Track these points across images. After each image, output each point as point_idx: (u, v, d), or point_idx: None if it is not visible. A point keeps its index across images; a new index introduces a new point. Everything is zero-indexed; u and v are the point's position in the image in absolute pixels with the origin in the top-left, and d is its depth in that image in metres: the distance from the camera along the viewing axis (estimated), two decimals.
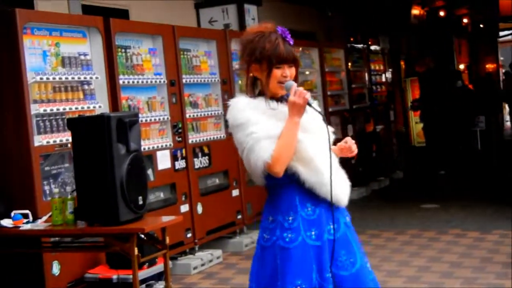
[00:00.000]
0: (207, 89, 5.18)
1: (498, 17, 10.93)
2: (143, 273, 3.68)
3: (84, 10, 4.77)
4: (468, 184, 7.69)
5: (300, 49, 6.61)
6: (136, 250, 3.03)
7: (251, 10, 6.39)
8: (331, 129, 2.10)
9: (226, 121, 5.10)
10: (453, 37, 11.96)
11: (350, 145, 2.17)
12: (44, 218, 3.32)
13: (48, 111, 3.68)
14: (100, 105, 4.01)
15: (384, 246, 4.98)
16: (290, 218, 2.02)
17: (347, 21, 8.95)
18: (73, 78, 3.88)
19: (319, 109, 2.10)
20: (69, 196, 3.24)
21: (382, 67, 8.78)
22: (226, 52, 5.27)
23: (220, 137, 5.15)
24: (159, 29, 4.64)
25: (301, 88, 2.02)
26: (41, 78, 3.65)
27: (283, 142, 1.98)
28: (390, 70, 9.13)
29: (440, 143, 8.53)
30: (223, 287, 4.17)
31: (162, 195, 4.54)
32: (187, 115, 4.80)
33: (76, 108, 3.84)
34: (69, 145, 3.59)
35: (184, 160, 4.68)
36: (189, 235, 4.66)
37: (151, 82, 4.53)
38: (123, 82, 4.25)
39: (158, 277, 3.84)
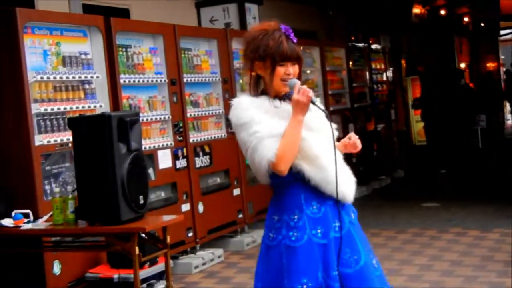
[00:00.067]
0: (208, 88, 5.18)
1: (499, 15, 10.91)
2: (144, 273, 3.67)
3: (84, 9, 4.77)
4: (469, 182, 7.68)
5: (301, 48, 6.54)
6: (137, 250, 3.03)
7: (252, 9, 6.38)
8: (334, 126, 2.10)
9: (227, 120, 5.15)
10: (454, 36, 11.95)
11: (354, 141, 2.16)
12: (45, 217, 3.32)
13: (49, 110, 3.68)
14: (101, 105, 4.01)
15: (385, 244, 4.97)
16: (296, 216, 2.02)
17: (348, 20, 8.94)
18: (73, 77, 3.87)
19: (322, 107, 2.10)
20: (70, 196, 3.23)
21: (383, 66, 8.77)
22: (227, 51, 5.26)
23: (221, 136, 5.14)
24: (160, 28, 4.64)
25: (304, 86, 2.02)
26: (41, 78, 3.65)
27: (287, 140, 1.98)
28: (391, 69, 9.12)
29: (441, 142, 8.53)
30: (224, 286, 4.17)
31: (163, 194, 4.54)
32: (188, 114, 4.79)
33: (77, 108, 3.84)
34: (69, 144, 3.59)
35: (185, 159, 4.68)
36: (190, 234, 4.66)
37: (152, 81, 4.53)
38: (124, 81, 4.25)
39: (159, 276, 3.83)
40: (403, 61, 10.32)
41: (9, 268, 3.53)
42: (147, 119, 4.39)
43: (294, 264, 1.99)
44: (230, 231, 5.17)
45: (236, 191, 5.23)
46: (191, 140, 4.78)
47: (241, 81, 5.43)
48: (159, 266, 3.78)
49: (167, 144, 4.53)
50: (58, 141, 3.68)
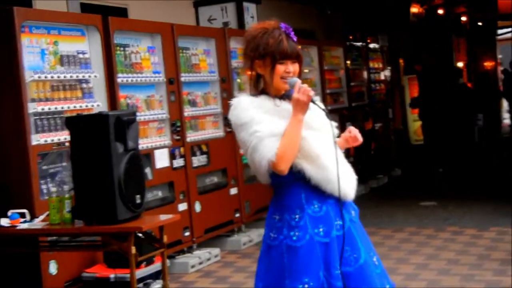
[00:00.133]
0: (206, 87, 5.17)
1: (497, 15, 10.92)
2: (141, 272, 3.67)
3: (82, 8, 4.76)
4: (466, 181, 7.70)
5: (300, 47, 6.59)
6: (133, 249, 3.03)
7: (250, 8, 6.38)
8: (334, 124, 2.10)
9: (225, 119, 5.15)
10: (452, 35, 11.96)
11: (355, 133, 2.17)
12: (42, 217, 3.31)
13: (46, 109, 3.68)
14: (98, 104, 4.01)
15: (382, 243, 4.98)
16: (297, 216, 2.02)
17: (346, 19, 8.94)
18: (71, 76, 3.87)
19: (322, 106, 2.10)
20: (67, 195, 3.24)
21: (381, 65, 8.78)
22: (225, 50, 5.26)
23: (219, 135, 5.15)
24: (158, 27, 4.64)
25: (305, 85, 2.02)
26: (39, 77, 3.65)
27: (287, 139, 1.98)
28: (389, 68, 9.13)
29: (438, 141, 8.54)
30: (221, 286, 4.17)
31: (160, 193, 4.54)
32: (186, 114, 4.79)
33: (74, 107, 3.84)
34: (67, 144, 3.59)
35: (182, 159, 4.68)
36: (187, 233, 4.66)
37: (150, 80, 4.53)
38: (122, 80, 4.24)
39: (155, 276, 3.84)
40: (401, 60, 10.33)
41: (5, 268, 3.53)
42: (144, 118, 4.39)
43: (295, 263, 2.00)
44: (227, 230, 5.17)
45: (233, 191, 5.23)
46: (188, 140, 4.78)
47: (239, 80, 5.43)
48: (156, 266, 3.79)
49: (164, 144, 4.53)
50: (55, 140, 3.67)
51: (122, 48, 4.31)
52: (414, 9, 9.76)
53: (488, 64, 12.47)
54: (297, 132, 1.99)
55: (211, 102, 5.17)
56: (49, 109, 3.69)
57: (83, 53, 4.01)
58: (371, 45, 8.64)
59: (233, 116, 2.05)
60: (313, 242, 2.00)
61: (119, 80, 4.21)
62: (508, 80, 11.54)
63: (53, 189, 3.35)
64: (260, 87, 2.10)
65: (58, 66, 3.82)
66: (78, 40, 4.02)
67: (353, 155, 6.38)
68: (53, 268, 3.55)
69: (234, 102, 2.07)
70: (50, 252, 3.51)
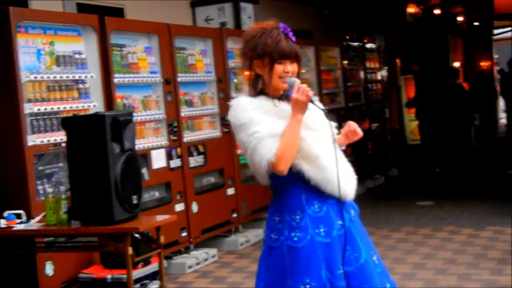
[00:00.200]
0: (202, 87, 5.17)
1: (493, 15, 10.95)
2: (138, 273, 3.67)
3: (79, 8, 4.75)
4: (463, 181, 7.72)
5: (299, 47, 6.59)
6: (130, 250, 3.02)
7: (247, 8, 6.38)
8: (334, 124, 2.10)
9: (221, 120, 5.14)
10: (449, 35, 11.98)
11: (354, 127, 2.17)
12: (38, 218, 3.30)
13: (42, 110, 3.67)
14: (94, 104, 4.00)
15: (379, 243, 4.98)
16: (297, 217, 2.02)
17: (343, 20, 8.95)
18: (67, 77, 3.86)
19: (321, 106, 2.10)
20: (63, 196, 3.22)
21: (377, 65, 8.78)
22: (222, 51, 5.26)
23: (216, 135, 5.14)
24: (154, 27, 4.63)
25: (304, 85, 2.02)
26: (35, 77, 3.64)
27: (286, 140, 1.98)
28: (386, 68, 9.14)
29: (435, 141, 8.56)
30: (218, 286, 4.17)
31: (157, 194, 4.54)
32: (183, 114, 4.79)
33: (71, 107, 3.83)
34: (63, 144, 3.58)
35: (179, 159, 4.67)
36: (184, 234, 4.65)
37: (147, 80, 4.52)
38: (118, 80, 4.23)
39: (152, 276, 3.83)
40: (397, 60, 10.34)
41: (1, 269, 3.51)
42: (141, 119, 4.39)
43: (296, 264, 2.00)
44: (224, 230, 5.17)
45: (230, 191, 5.23)
46: (185, 140, 4.77)
47: (236, 80, 5.43)
48: (153, 266, 3.78)
49: (161, 144, 4.53)
50: (52, 141, 3.66)
51: (118, 48, 4.30)
52: (411, 9, 9.78)
53: (484, 64, 12.51)
54: (297, 132, 1.99)
55: (208, 102, 5.17)
56: (45, 109, 3.68)
57: (80, 53, 4.00)
58: (368, 45, 8.65)
59: (232, 117, 2.05)
60: (314, 243, 2.00)
61: (115, 80, 4.20)
62: (505, 80, 11.57)
63: (50, 190, 3.34)
64: (259, 88, 2.09)
65: (54, 66, 3.81)
66: (74, 40, 4.00)
67: (350, 154, 6.38)
68: (49, 269, 3.54)
69: (233, 103, 2.07)
70: (47, 253, 3.50)
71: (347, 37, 8.71)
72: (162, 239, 3.26)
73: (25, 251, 3.43)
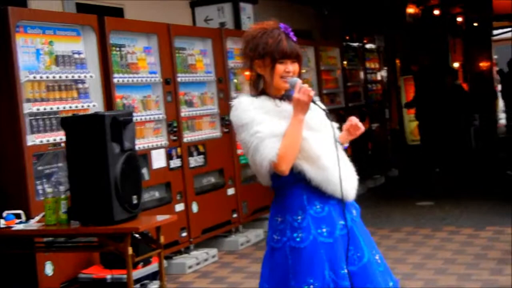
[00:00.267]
0: (202, 87, 5.16)
1: (492, 15, 10.96)
2: (138, 273, 3.66)
3: (78, 8, 4.74)
4: (462, 181, 7.72)
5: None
6: (130, 250, 3.02)
7: (247, 9, 6.37)
8: (335, 125, 2.10)
9: (221, 120, 5.14)
10: (448, 36, 11.99)
11: (355, 122, 2.16)
12: (37, 218, 3.30)
13: (42, 110, 3.66)
14: (94, 104, 3.99)
15: (380, 243, 4.93)
16: (299, 217, 2.02)
17: (343, 20, 8.95)
18: (66, 76, 3.85)
19: (323, 106, 2.10)
20: (63, 196, 3.21)
21: (377, 66, 8.79)
22: (222, 51, 5.25)
23: (216, 135, 5.14)
24: (154, 27, 4.62)
25: (306, 85, 2.02)
26: (34, 77, 3.63)
27: (288, 140, 1.98)
28: (386, 68, 9.14)
29: (435, 141, 8.56)
30: (218, 286, 4.16)
31: (157, 194, 4.53)
32: (182, 114, 4.78)
33: (70, 107, 3.82)
34: (62, 144, 3.57)
35: (179, 159, 4.66)
36: (184, 234, 4.64)
37: (146, 80, 4.51)
38: (118, 80, 4.23)
39: (152, 276, 3.82)
40: (397, 61, 10.35)
41: (1, 269, 3.50)
42: (141, 119, 4.38)
43: (299, 264, 1.99)
44: (224, 231, 5.16)
45: (231, 191, 5.22)
46: (185, 140, 4.77)
47: (235, 80, 5.42)
48: (153, 266, 3.77)
49: (161, 144, 4.52)
50: (51, 141, 3.65)
51: (118, 48, 4.29)
52: (410, 10, 9.78)
53: (483, 64, 12.52)
54: (298, 132, 1.99)
55: (208, 102, 5.16)
56: (45, 109, 3.67)
57: (79, 53, 3.99)
58: (368, 46, 8.65)
59: (234, 117, 2.05)
60: (316, 243, 2.00)
61: (115, 80, 4.19)
62: (505, 80, 11.58)
63: (49, 190, 3.33)
64: (260, 88, 2.09)
65: (53, 66, 3.80)
66: (73, 40, 4.00)
67: (350, 155, 6.38)
68: (49, 269, 3.53)
69: (234, 102, 2.07)
70: (46, 253, 3.49)
71: (347, 37, 8.71)
72: (162, 239, 3.26)
73: (25, 251, 3.43)
